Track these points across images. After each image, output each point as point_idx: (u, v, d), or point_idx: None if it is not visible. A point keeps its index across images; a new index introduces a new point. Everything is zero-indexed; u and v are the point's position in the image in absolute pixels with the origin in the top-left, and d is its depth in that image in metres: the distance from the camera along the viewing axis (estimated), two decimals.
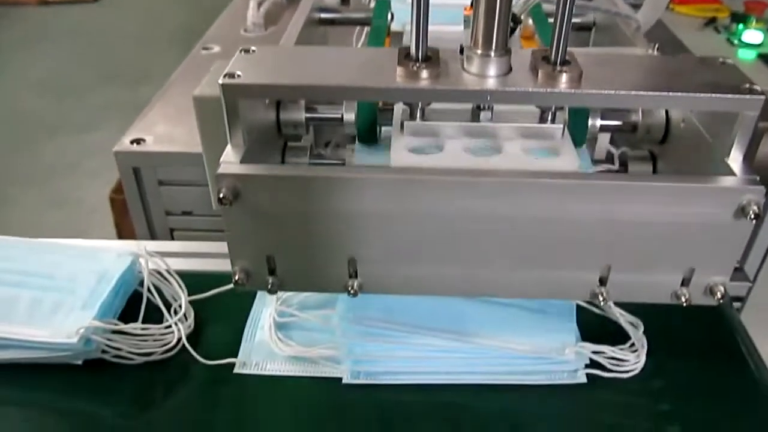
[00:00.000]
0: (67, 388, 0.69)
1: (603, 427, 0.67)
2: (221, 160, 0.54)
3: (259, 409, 0.69)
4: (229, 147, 0.56)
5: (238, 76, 0.54)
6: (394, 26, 0.97)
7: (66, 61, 3.30)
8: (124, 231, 1.18)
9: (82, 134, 2.60)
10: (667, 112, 0.64)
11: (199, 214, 0.99)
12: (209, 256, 0.85)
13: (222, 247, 0.57)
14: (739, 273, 0.90)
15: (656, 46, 0.76)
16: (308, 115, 0.66)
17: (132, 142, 0.93)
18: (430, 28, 0.54)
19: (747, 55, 1.28)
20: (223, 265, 0.60)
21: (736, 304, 0.92)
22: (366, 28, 1.17)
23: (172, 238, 1.01)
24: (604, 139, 0.80)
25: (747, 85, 0.53)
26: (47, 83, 3.06)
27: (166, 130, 0.96)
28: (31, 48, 3.43)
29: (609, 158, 0.72)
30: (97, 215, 2.00)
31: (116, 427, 0.66)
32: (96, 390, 0.69)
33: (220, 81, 0.53)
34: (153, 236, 1.00)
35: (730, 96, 0.52)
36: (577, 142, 0.66)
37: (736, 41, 1.33)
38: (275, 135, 0.67)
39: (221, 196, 0.52)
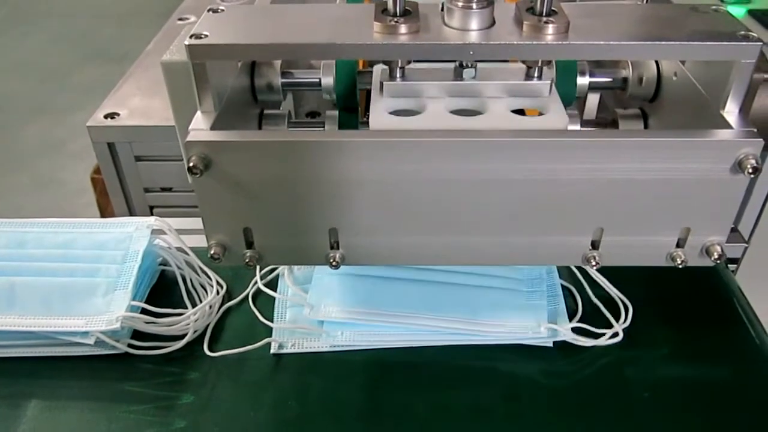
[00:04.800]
0: (100, 375, 0.68)
1: (604, 391, 0.65)
2: (190, 127, 0.51)
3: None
4: (198, 113, 0.53)
5: (205, 36, 0.50)
6: None
7: (47, 42, 3.23)
8: (106, 211, 1.15)
9: (65, 115, 2.55)
10: (658, 65, 0.61)
11: (180, 189, 0.96)
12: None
13: None
14: (733, 233, 0.88)
15: None
16: (284, 80, 0.63)
17: (106, 117, 0.90)
18: None
19: (736, 11, 1.25)
20: None
21: (732, 266, 0.90)
22: None
23: (152, 216, 0.98)
24: (593, 101, 0.78)
25: (742, 32, 0.50)
26: (28, 65, 3.01)
27: (141, 103, 0.93)
28: (10, 31, 3.36)
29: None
30: (82, 197, 1.97)
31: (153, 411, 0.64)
32: (127, 377, 0.67)
33: (186, 42, 0.50)
34: (132, 214, 0.97)
35: (725, 43, 0.49)
36: (566, 102, 0.64)
37: None
38: (251, 103, 0.64)
39: (191, 165, 0.50)
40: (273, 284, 0.76)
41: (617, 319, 0.71)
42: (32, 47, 3.19)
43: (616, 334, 0.69)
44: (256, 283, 0.75)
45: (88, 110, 0.95)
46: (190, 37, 0.50)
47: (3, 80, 2.88)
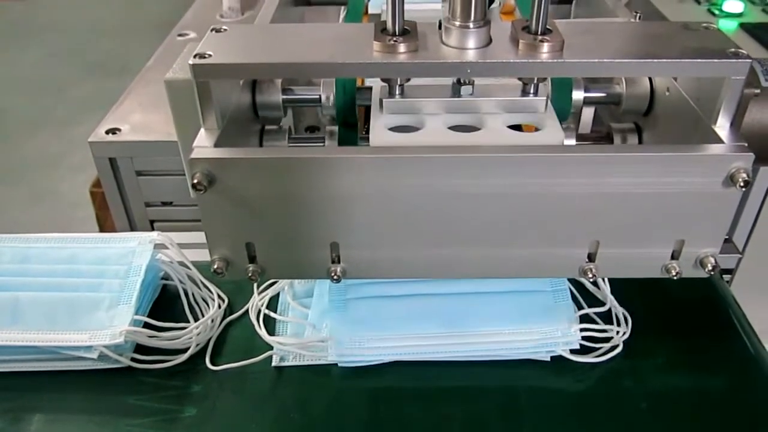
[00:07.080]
0: (103, 389, 0.68)
1: (601, 402, 0.66)
2: (194, 144, 0.52)
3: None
4: (202, 131, 0.54)
5: (209, 55, 0.52)
6: (372, 8, 0.95)
7: (45, 56, 3.25)
8: (105, 225, 1.16)
9: (64, 129, 2.56)
10: (651, 81, 0.63)
11: (180, 204, 0.97)
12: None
13: None
14: (727, 244, 0.89)
15: (638, 15, 0.74)
16: (285, 96, 0.64)
17: (107, 132, 0.91)
18: (407, 6, 0.52)
19: (728, 25, 1.27)
20: None
21: (726, 277, 0.91)
22: (342, 11, 1.14)
23: (152, 230, 0.98)
24: (588, 115, 0.79)
25: (732, 49, 0.51)
26: (27, 79, 3.02)
27: (142, 118, 0.94)
28: (8, 45, 3.37)
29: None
30: (79, 210, 1.98)
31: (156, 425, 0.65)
32: (130, 391, 0.68)
33: (190, 61, 0.51)
34: (133, 228, 0.98)
35: (716, 60, 0.50)
36: (562, 117, 0.65)
37: (717, 11, 1.33)
38: (252, 119, 0.65)
39: (195, 182, 0.51)
40: (275, 296, 0.76)
41: (616, 331, 0.71)
42: (30, 61, 3.20)
43: (614, 347, 0.70)
44: (257, 297, 0.76)
45: (86, 124, 0.96)
46: (195, 56, 0.51)
47: (1, 94, 2.89)
